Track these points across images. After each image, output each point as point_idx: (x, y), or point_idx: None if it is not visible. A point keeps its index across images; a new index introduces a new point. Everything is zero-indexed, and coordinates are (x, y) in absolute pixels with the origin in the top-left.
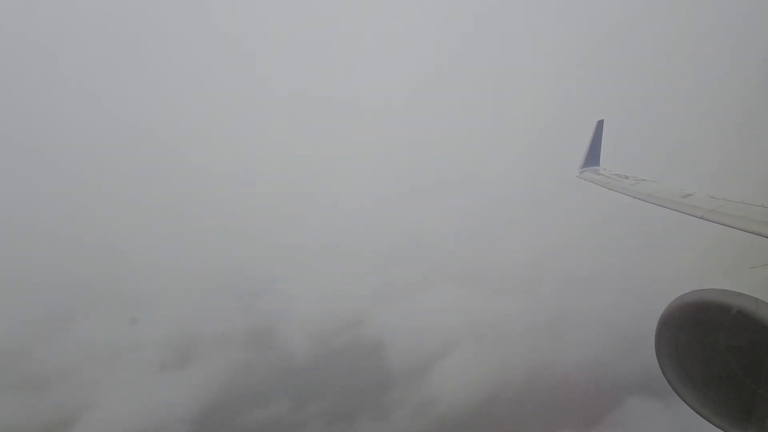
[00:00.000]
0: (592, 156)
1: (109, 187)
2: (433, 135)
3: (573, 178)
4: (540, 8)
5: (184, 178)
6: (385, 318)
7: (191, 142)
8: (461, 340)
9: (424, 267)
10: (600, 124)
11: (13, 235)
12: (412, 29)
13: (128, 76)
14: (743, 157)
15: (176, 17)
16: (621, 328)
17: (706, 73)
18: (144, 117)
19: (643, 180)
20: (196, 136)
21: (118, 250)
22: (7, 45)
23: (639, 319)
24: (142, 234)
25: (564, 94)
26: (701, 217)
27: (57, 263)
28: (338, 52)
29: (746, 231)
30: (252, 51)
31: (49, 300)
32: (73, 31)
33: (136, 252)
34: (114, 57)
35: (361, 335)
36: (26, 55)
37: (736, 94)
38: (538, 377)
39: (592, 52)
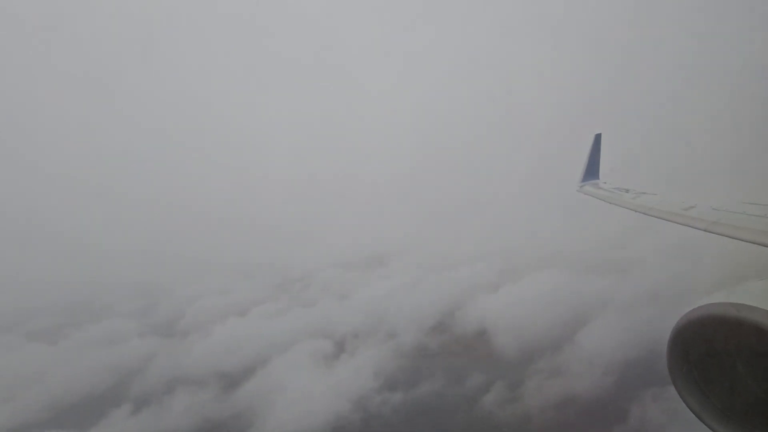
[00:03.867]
0: (591, 170)
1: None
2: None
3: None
4: (542, 21)
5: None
6: (494, 306)
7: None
8: (587, 314)
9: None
10: (598, 137)
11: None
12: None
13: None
14: (744, 167)
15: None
16: None
17: (705, 84)
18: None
19: (644, 193)
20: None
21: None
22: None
23: None
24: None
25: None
26: (704, 230)
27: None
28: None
29: (750, 242)
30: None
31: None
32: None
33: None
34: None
35: (489, 321)
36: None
37: (735, 104)
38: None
39: (593, 66)
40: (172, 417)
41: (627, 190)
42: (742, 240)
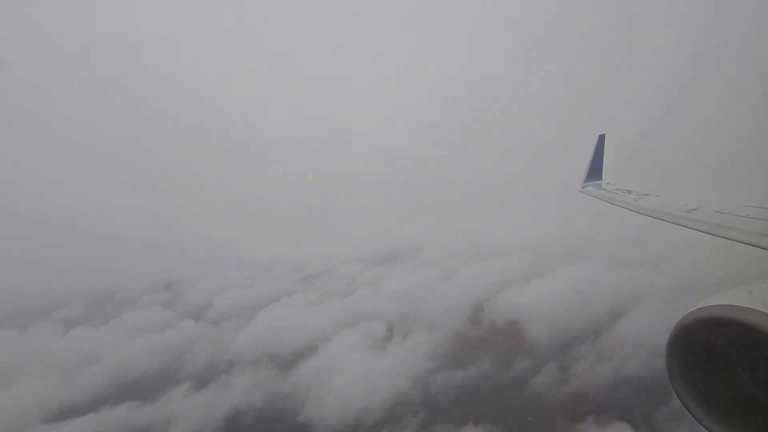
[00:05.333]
0: (594, 170)
1: None
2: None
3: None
4: (545, 23)
5: None
6: (526, 297)
7: None
8: (621, 305)
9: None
10: (601, 138)
11: None
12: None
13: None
14: (746, 168)
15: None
16: None
17: (708, 86)
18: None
19: (646, 194)
20: None
21: None
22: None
23: None
24: None
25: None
26: (707, 232)
27: None
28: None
29: (753, 245)
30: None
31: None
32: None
33: None
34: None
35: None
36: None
37: (736, 108)
38: None
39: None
40: (236, 393)
41: (629, 192)
42: (744, 243)
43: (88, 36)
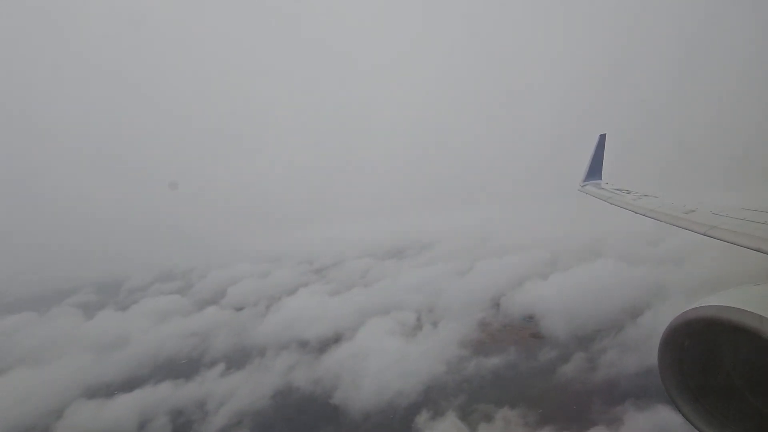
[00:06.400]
0: (594, 169)
1: None
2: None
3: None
4: (547, 24)
5: None
6: (543, 291)
7: None
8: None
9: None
10: (602, 138)
11: None
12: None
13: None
14: (746, 171)
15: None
16: None
17: (706, 88)
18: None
19: (645, 195)
20: None
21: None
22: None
23: None
24: None
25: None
26: (704, 234)
27: None
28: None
29: (748, 247)
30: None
31: None
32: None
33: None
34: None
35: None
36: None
37: (736, 109)
38: None
39: (596, 68)
40: (272, 376)
41: (628, 192)
42: (740, 245)
43: (95, 33)
